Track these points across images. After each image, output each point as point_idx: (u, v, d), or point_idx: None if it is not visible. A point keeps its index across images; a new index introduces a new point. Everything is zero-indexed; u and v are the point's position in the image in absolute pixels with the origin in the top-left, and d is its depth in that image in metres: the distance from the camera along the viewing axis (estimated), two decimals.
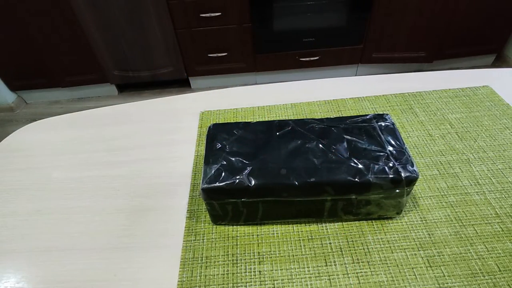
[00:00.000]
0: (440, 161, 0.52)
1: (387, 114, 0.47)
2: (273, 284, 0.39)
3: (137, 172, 0.54)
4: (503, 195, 0.46)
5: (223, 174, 0.40)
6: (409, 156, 0.40)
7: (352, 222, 0.45)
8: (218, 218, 0.44)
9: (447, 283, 0.38)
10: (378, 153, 0.41)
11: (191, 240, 0.44)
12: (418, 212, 0.45)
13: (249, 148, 0.43)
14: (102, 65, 1.80)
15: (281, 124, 0.46)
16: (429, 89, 0.67)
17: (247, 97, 0.69)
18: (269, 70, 1.87)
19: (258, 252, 0.42)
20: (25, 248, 0.45)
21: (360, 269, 0.40)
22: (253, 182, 0.39)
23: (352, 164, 0.40)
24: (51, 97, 2.01)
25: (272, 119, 0.62)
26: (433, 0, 1.56)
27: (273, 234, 0.44)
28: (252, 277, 0.40)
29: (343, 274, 0.40)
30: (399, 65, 1.91)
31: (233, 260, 0.42)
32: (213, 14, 1.62)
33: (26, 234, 0.47)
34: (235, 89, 0.71)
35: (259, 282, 0.39)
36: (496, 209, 0.45)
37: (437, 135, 0.56)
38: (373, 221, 0.45)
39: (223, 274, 0.40)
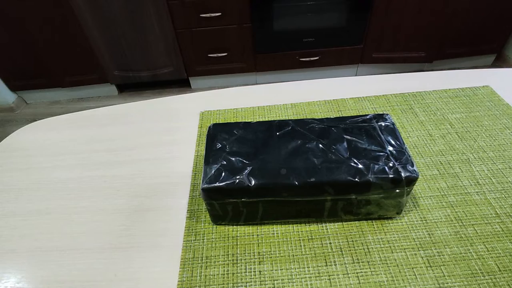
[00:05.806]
0: (440, 161, 0.52)
1: (387, 114, 0.47)
2: (273, 284, 0.39)
3: (137, 172, 0.54)
4: (503, 195, 0.46)
5: (223, 174, 0.40)
6: (409, 156, 0.40)
7: (352, 222, 0.45)
8: (218, 218, 0.44)
9: (447, 283, 0.38)
10: (378, 153, 0.41)
11: (191, 240, 0.44)
12: (418, 212, 0.45)
13: (249, 148, 0.43)
14: (102, 65, 1.80)
15: (281, 124, 0.46)
16: (429, 89, 0.67)
17: (247, 97, 0.69)
18: (269, 70, 1.87)
19: (258, 252, 0.42)
20: (25, 248, 0.45)
21: (360, 269, 0.40)
22: (253, 182, 0.39)
23: (352, 164, 0.40)
24: (51, 97, 2.01)
25: (272, 119, 0.62)
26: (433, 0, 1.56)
27: (273, 234, 0.44)
28: (252, 277, 0.40)
29: (343, 274, 0.40)
30: (399, 65, 1.91)
31: (233, 260, 0.42)
32: (213, 14, 1.62)
33: (26, 234, 0.47)
34: (235, 89, 0.71)
35: (259, 282, 0.39)
36: (496, 209, 0.45)
37: (437, 135, 0.56)
38: (373, 221, 0.45)
39: (223, 274, 0.40)
